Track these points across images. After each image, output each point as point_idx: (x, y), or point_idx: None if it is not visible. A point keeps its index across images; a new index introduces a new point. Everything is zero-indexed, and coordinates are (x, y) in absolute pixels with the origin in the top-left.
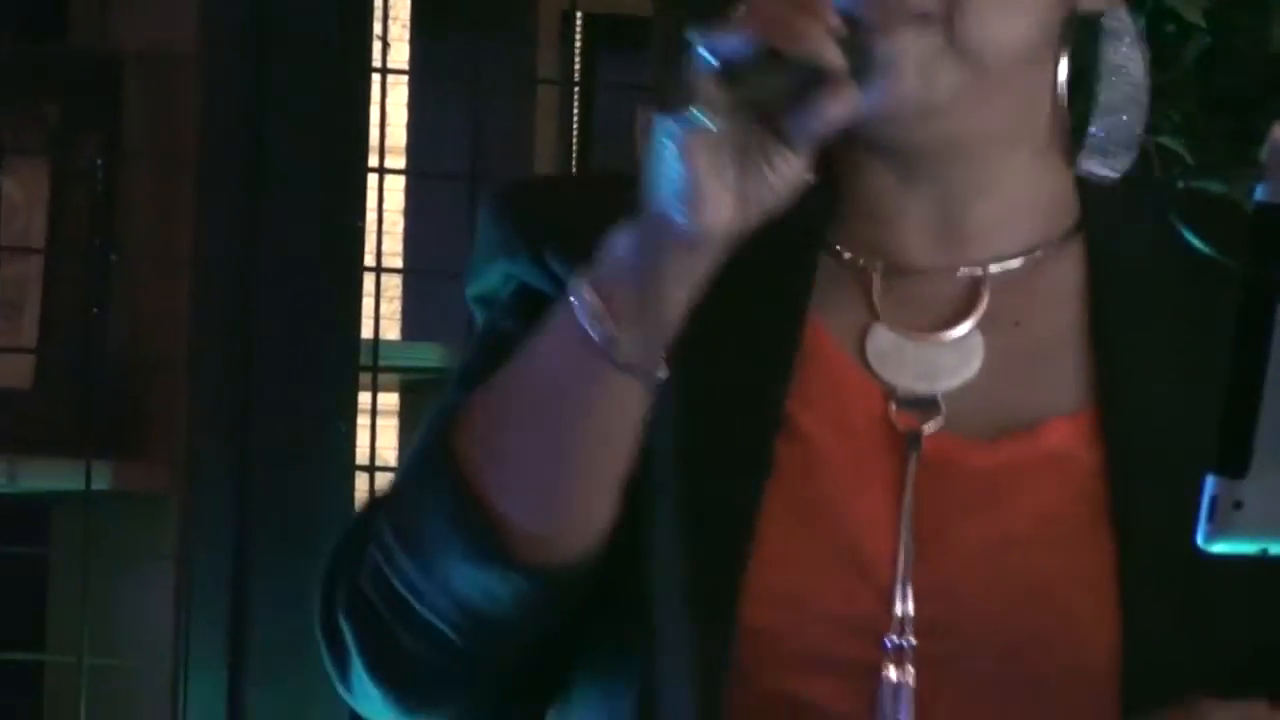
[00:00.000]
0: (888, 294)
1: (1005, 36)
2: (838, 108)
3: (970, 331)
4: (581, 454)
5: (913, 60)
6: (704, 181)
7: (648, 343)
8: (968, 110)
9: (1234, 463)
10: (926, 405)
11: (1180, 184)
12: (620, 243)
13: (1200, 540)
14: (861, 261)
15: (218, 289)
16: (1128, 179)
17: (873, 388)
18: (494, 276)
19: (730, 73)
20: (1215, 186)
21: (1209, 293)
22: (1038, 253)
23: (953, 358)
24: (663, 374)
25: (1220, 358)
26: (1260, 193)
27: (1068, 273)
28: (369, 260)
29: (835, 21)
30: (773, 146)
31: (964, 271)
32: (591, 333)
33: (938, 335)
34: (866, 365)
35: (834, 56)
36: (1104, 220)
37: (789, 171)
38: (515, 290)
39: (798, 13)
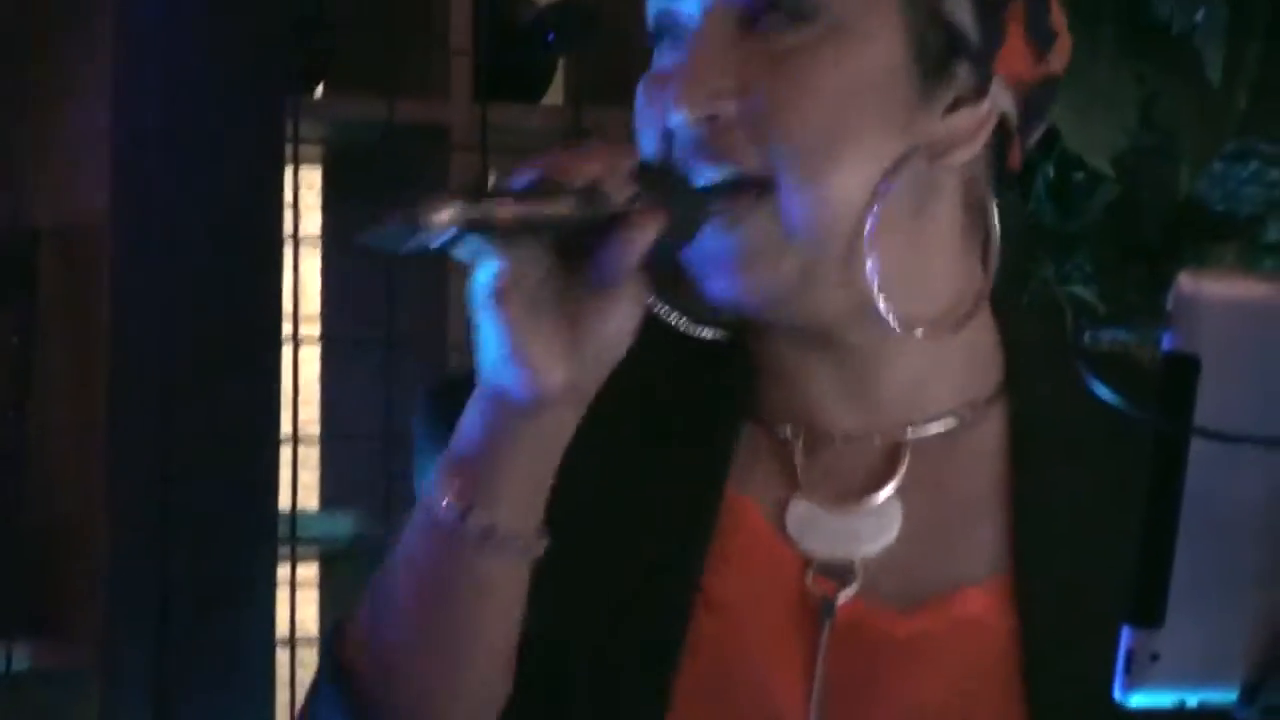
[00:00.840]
0: (810, 463)
1: (833, 208)
2: (636, 237)
3: (890, 498)
4: (464, 640)
5: (748, 253)
6: (526, 342)
7: (513, 517)
8: (830, 285)
9: (1149, 614)
10: (843, 572)
11: (1089, 333)
12: (467, 418)
13: (1118, 693)
14: (783, 430)
15: (134, 462)
16: (1053, 336)
17: (792, 557)
18: (430, 475)
19: (516, 200)
20: (1126, 335)
21: (1131, 449)
22: (962, 415)
23: (872, 525)
24: (539, 546)
25: (1139, 513)
26: (1167, 342)
27: (990, 435)
28: (285, 430)
29: (626, 160)
30: (590, 293)
31: (884, 438)
32: (448, 515)
33: (858, 503)
34: (787, 535)
35: (616, 183)
36: (1027, 380)
37: (617, 317)
38: None
39: (583, 155)
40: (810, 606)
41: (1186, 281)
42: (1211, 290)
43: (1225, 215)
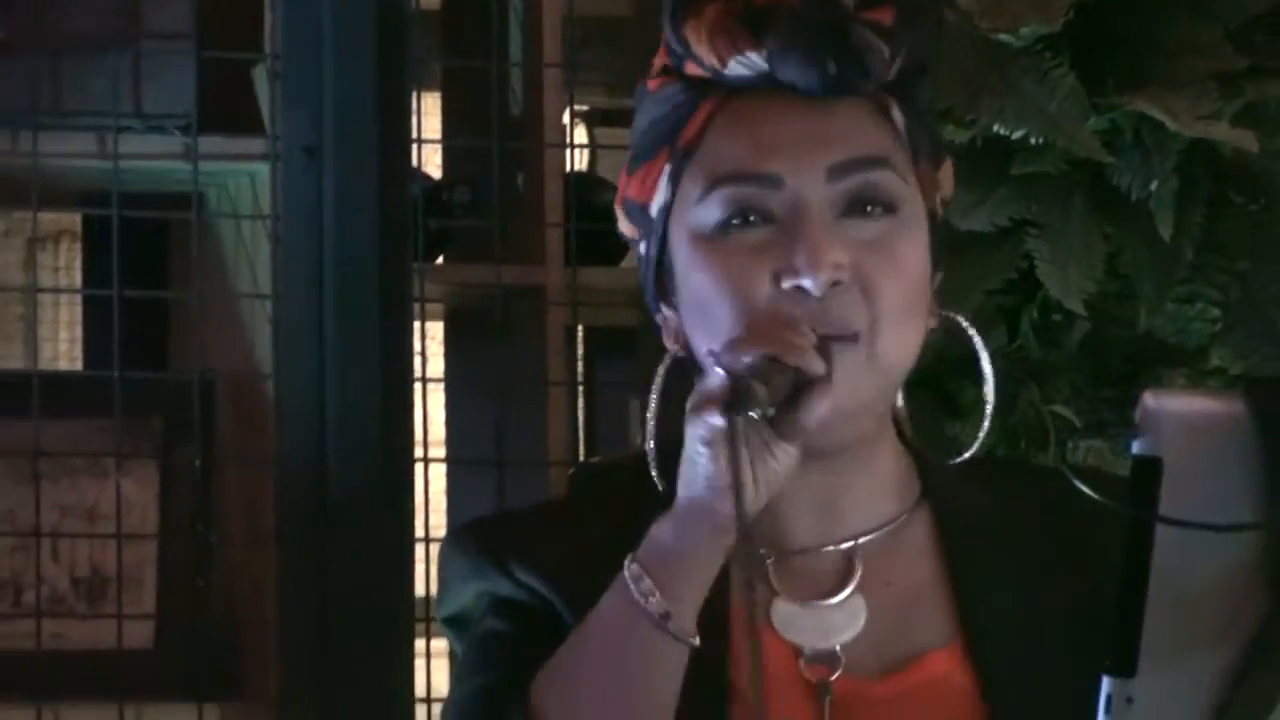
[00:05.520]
0: (782, 573)
1: (905, 352)
2: (825, 405)
3: (852, 594)
4: (643, 715)
5: (843, 377)
6: (739, 473)
7: (684, 611)
8: (873, 412)
9: (1125, 665)
10: (828, 658)
11: (1070, 443)
12: (663, 530)
13: None
14: (759, 550)
15: (298, 565)
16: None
17: (784, 648)
18: (466, 596)
19: (748, 380)
20: (1100, 443)
21: (1048, 534)
22: (897, 522)
23: (842, 617)
24: (696, 640)
25: (1064, 583)
26: (1136, 447)
27: (919, 534)
28: (419, 530)
29: (812, 336)
30: (773, 441)
31: (838, 547)
32: (647, 607)
33: (827, 601)
34: (775, 631)
35: (820, 365)
36: (943, 488)
37: (788, 460)
38: (489, 604)
39: (789, 330)
40: (807, 687)
41: (1150, 398)
42: (1171, 404)
43: (1177, 346)
